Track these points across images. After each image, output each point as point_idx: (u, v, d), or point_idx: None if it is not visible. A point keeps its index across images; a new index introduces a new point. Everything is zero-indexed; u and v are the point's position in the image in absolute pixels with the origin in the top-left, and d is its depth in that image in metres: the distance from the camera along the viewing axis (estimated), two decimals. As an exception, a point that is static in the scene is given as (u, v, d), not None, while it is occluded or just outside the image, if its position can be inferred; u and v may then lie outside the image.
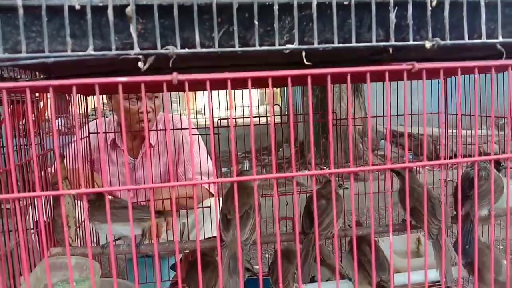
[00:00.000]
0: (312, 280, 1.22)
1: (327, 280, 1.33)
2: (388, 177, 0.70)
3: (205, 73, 0.60)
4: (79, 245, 1.20)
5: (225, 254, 0.96)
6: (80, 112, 1.56)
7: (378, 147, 4.95)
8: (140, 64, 0.58)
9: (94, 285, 0.68)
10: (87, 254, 1.01)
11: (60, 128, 1.82)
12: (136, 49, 0.58)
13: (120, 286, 1.14)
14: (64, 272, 0.95)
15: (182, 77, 0.58)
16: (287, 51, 0.62)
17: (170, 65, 0.59)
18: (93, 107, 1.90)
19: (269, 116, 2.02)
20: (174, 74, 0.58)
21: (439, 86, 1.56)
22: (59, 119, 1.68)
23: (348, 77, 0.65)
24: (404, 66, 0.66)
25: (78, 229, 1.13)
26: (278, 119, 1.95)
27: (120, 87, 0.59)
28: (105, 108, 2.65)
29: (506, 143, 0.80)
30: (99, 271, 0.94)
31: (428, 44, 0.66)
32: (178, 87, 0.66)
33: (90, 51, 0.57)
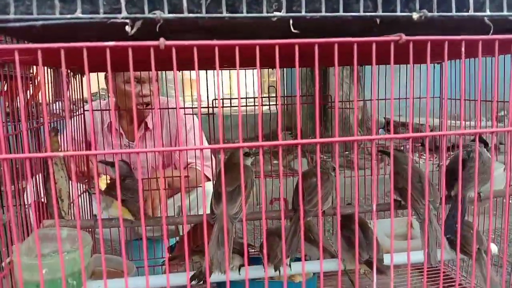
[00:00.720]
0: (305, 259, 1.24)
1: (318, 259, 1.34)
2: (374, 157, 0.71)
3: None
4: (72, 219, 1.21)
5: (215, 227, 0.98)
6: (77, 96, 1.56)
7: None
8: (127, 28, 0.58)
9: (82, 255, 0.69)
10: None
11: (58, 112, 1.83)
12: (124, 13, 0.58)
13: (111, 261, 1.16)
14: (56, 243, 0.96)
15: (169, 42, 0.59)
16: (275, 18, 0.62)
17: (157, 30, 0.59)
18: (92, 92, 1.90)
19: (271, 103, 2.03)
20: (161, 39, 0.58)
21: (435, 71, 1.56)
22: (57, 102, 1.69)
23: (335, 47, 0.66)
24: (392, 37, 0.66)
25: (71, 204, 1.14)
26: (278, 110, 1.95)
27: (107, 52, 0.59)
28: (103, 93, 2.65)
29: (493, 119, 0.81)
30: (90, 242, 0.95)
31: (415, 16, 0.66)
32: (169, 65, 0.66)
33: (78, 14, 0.58)
